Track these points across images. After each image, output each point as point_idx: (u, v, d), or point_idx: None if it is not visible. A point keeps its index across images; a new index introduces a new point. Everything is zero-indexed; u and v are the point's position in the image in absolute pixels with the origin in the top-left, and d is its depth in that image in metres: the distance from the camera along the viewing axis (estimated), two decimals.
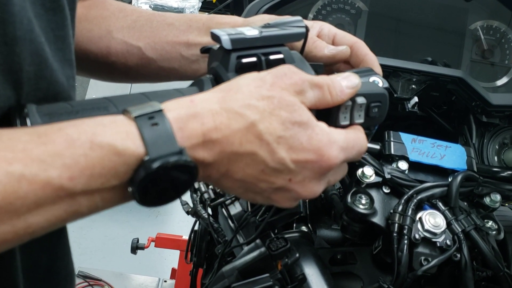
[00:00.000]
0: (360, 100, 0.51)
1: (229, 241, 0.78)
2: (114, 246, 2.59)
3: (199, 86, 0.48)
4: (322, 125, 0.45)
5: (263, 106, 0.41)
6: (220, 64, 0.48)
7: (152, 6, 3.39)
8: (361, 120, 0.51)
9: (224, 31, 0.48)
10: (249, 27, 0.50)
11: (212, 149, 0.40)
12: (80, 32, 0.66)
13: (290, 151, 0.42)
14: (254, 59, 0.47)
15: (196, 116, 0.40)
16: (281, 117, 0.42)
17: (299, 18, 0.52)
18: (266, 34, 0.48)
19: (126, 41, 0.66)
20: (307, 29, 0.52)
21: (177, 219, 2.83)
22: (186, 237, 2.00)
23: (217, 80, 0.48)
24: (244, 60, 0.47)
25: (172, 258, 2.39)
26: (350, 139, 0.47)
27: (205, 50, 0.52)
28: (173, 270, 2.11)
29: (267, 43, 0.48)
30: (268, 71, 0.45)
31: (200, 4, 3.44)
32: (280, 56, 0.48)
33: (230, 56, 0.47)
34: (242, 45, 0.47)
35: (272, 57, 0.48)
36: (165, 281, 2.11)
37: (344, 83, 0.48)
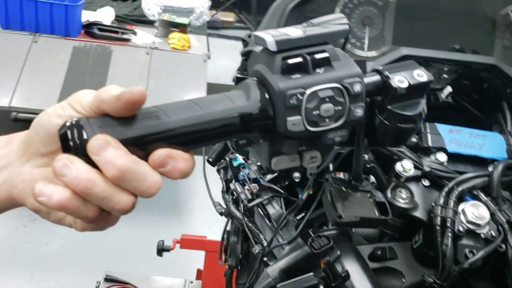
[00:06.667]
0: None
1: (269, 241, 0.77)
2: (138, 248, 2.60)
3: (245, 89, 0.48)
4: None
5: None
6: (265, 66, 0.47)
7: (162, 7, 3.39)
8: None
9: (268, 33, 0.47)
10: (292, 27, 0.49)
11: None
12: None
13: None
14: (299, 59, 0.47)
15: None
16: None
17: (341, 15, 0.52)
18: (310, 33, 0.47)
19: None
20: (350, 26, 0.51)
21: (199, 220, 2.84)
22: (210, 237, 2.01)
23: (262, 82, 0.48)
24: (290, 61, 0.46)
25: (196, 259, 2.39)
26: None
27: (246, 53, 0.52)
28: (199, 271, 2.11)
29: (311, 43, 0.48)
30: None
31: (210, 3, 3.43)
32: (326, 54, 0.47)
33: (276, 57, 0.46)
34: (287, 46, 0.47)
35: (317, 56, 0.47)
36: (191, 282, 2.11)
37: None
